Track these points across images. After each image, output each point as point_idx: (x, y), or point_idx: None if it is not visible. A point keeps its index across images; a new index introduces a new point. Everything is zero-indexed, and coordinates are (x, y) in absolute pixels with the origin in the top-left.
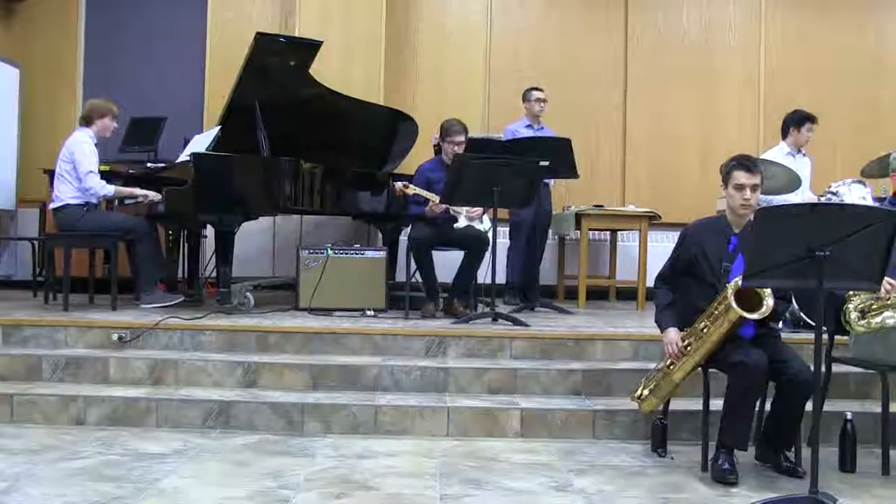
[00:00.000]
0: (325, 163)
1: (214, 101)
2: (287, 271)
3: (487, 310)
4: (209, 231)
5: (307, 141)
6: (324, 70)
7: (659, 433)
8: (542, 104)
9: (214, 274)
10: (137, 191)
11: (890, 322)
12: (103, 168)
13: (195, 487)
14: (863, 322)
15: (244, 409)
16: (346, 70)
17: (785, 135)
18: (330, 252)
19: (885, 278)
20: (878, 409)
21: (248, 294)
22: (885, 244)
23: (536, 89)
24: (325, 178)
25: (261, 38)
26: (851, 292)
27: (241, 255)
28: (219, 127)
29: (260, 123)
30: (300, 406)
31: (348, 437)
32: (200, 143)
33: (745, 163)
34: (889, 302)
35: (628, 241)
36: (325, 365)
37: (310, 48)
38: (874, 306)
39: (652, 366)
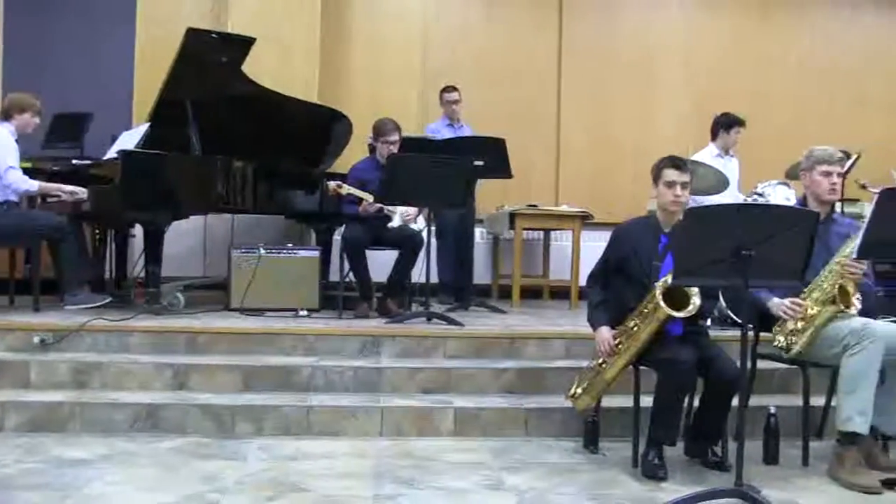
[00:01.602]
0: (258, 161)
1: (144, 97)
2: (219, 271)
3: (421, 309)
4: (138, 230)
5: (240, 139)
6: (257, 67)
7: (591, 430)
8: (453, 106)
9: (143, 274)
10: (65, 187)
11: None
12: (24, 165)
13: (123, 493)
14: (797, 344)
15: (173, 411)
16: (280, 68)
17: (714, 137)
18: (262, 251)
19: (786, 301)
20: (800, 403)
21: (178, 294)
22: (806, 243)
23: (448, 91)
24: (258, 176)
25: (192, 33)
26: (776, 328)
27: (172, 255)
28: (148, 124)
29: (191, 121)
30: (231, 408)
31: (281, 439)
32: (129, 140)
33: (676, 161)
34: (805, 318)
35: (562, 241)
36: (258, 366)
37: (242, 45)
38: (798, 327)
39: (584, 364)
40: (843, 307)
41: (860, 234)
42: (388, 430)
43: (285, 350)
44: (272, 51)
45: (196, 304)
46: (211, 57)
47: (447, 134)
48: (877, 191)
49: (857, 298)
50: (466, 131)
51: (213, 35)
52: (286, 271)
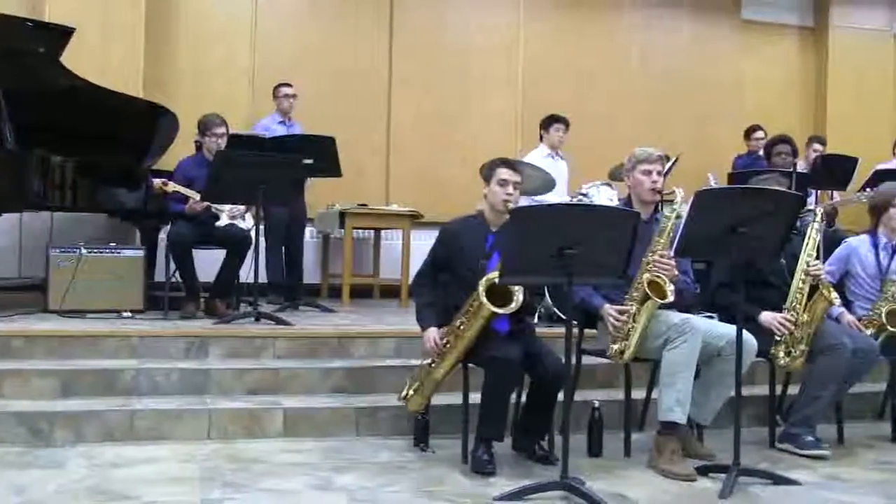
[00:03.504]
0: (79, 157)
1: None
2: (35, 271)
3: (250, 309)
4: None
5: (59, 133)
6: (78, 59)
7: (421, 428)
8: (290, 100)
9: None
10: None
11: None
12: None
13: None
14: (629, 348)
15: None
16: (102, 60)
17: (542, 137)
18: (83, 251)
19: (611, 312)
20: (622, 397)
21: None
22: (627, 242)
23: (285, 85)
24: (79, 172)
25: (4, 20)
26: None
27: None
28: None
29: (3, 113)
30: (48, 415)
31: (102, 445)
32: None
33: (509, 161)
34: (629, 328)
35: (392, 240)
36: (78, 370)
37: (61, 35)
38: (626, 329)
39: (414, 362)
40: (657, 299)
41: (677, 232)
42: (216, 432)
43: (108, 353)
44: (94, 42)
45: (10, 306)
46: (26, 46)
47: (279, 131)
48: (668, 192)
49: (671, 290)
50: (297, 129)
51: (28, 23)
52: (109, 271)
